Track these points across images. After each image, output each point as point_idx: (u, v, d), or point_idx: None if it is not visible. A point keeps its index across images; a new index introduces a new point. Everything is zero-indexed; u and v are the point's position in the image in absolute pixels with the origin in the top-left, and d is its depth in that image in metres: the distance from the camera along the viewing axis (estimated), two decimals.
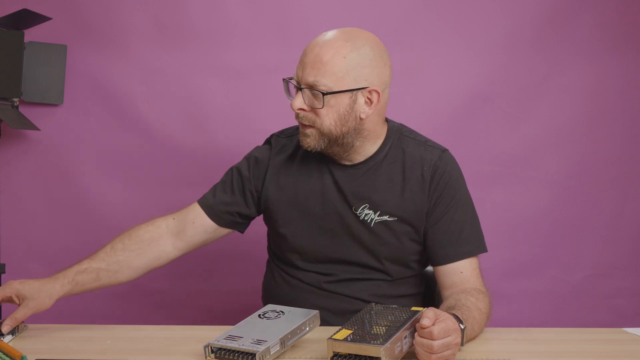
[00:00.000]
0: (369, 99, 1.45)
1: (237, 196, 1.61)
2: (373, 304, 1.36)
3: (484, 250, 1.55)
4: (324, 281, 1.57)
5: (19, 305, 1.40)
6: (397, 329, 1.21)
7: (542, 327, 1.57)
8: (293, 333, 1.27)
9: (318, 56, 1.41)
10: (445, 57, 2.30)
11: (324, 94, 1.41)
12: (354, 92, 1.43)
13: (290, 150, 1.60)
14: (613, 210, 2.39)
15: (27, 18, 2.08)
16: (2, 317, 1.48)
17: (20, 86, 2.15)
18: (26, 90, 2.19)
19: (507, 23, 2.31)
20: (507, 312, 2.33)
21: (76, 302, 2.30)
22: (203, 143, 2.29)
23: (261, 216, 1.65)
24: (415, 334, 1.22)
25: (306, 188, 1.56)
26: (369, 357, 1.16)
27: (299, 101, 1.44)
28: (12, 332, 1.39)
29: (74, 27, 2.25)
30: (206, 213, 1.60)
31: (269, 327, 1.28)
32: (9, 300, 1.41)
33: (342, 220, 1.54)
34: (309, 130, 1.46)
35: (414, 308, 1.30)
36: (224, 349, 1.21)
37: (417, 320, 1.25)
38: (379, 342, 1.16)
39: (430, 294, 1.73)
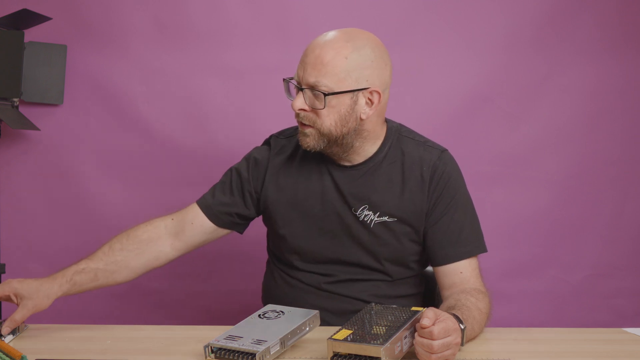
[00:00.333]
0: (369, 99, 1.45)
1: (236, 197, 1.60)
2: (373, 304, 1.36)
3: (484, 250, 1.55)
4: (324, 282, 1.57)
5: (16, 304, 1.40)
6: (397, 329, 1.21)
7: (542, 327, 1.57)
8: (293, 333, 1.27)
9: (319, 57, 1.41)
10: (445, 57, 2.30)
11: (325, 95, 1.41)
12: (355, 92, 1.43)
13: (290, 151, 1.60)
14: (613, 210, 2.39)
15: (27, 18, 2.08)
16: (2, 317, 1.48)
17: (20, 86, 2.15)
18: (26, 90, 2.19)
19: (507, 23, 2.31)
20: (507, 312, 2.33)
21: (76, 302, 2.30)
22: (203, 143, 2.29)
23: (261, 217, 1.65)
24: (415, 334, 1.22)
25: (305, 189, 1.56)
26: (369, 357, 1.16)
27: (300, 101, 1.44)
28: (13, 332, 1.39)
29: (74, 27, 2.25)
30: (205, 214, 1.60)
31: (269, 327, 1.28)
32: (7, 299, 1.41)
33: (341, 221, 1.54)
34: (308, 130, 1.46)
35: (414, 308, 1.30)
36: (224, 349, 1.21)
37: (417, 320, 1.25)
38: (379, 342, 1.16)
39: (430, 294, 1.73)
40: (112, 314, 2.30)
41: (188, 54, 2.27)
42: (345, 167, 1.54)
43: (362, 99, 1.44)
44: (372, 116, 1.47)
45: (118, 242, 1.55)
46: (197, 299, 2.33)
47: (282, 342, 1.24)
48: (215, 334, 1.25)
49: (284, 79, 1.51)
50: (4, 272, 2.22)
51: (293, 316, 1.33)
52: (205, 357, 1.23)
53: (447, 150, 1.58)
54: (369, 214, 1.52)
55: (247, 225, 1.66)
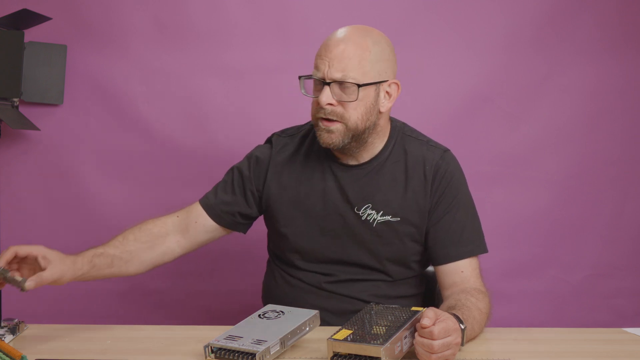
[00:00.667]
0: (387, 92, 1.49)
1: (238, 196, 1.61)
2: (373, 304, 1.36)
3: (485, 250, 1.55)
4: (324, 281, 1.57)
5: (42, 268, 1.35)
6: (397, 329, 1.21)
7: (542, 327, 1.57)
8: (293, 333, 1.27)
9: (345, 51, 1.43)
10: (445, 57, 2.30)
11: (359, 86, 1.43)
12: (378, 84, 1.46)
13: (292, 150, 1.60)
14: (613, 210, 2.39)
15: (27, 18, 2.08)
16: (3, 315, 1.48)
17: (20, 86, 2.15)
18: (26, 90, 2.19)
19: (507, 23, 2.31)
20: (507, 312, 2.33)
21: (76, 302, 2.31)
22: (203, 143, 2.29)
23: (261, 216, 1.65)
24: (416, 333, 1.22)
25: (308, 188, 1.56)
26: (369, 357, 1.16)
27: (327, 96, 1.44)
28: (13, 332, 1.39)
29: (74, 27, 2.24)
30: (207, 213, 1.60)
31: (269, 327, 1.28)
32: (34, 261, 1.36)
33: (343, 220, 1.54)
34: (334, 127, 1.46)
35: (414, 308, 1.30)
36: (224, 349, 1.21)
37: (417, 320, 1.25)
38: (379, 342, 1.17)
39: (430, 294, 1.73)
40: (112, 314, 2.30)
41: (188, 54, 2.27)
42: (349, 166, 1.55)
43: (382, 92, 1.48)
44: (387, 110, 1.51)
45: (131, 234, 1.55)
46: (197, 299, 2.33)
47: (282, 342, 1.24)
48: (215, 334, 1.26)
49: (300, 77, 1.50)
50: None
51: (293, 316, 1.33)
52: (205, 357, 1.23)
53: (449, 150, 1.59)
54: (372, 213, 1.53)
55: (250, 225, 1.66)
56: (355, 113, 1.45)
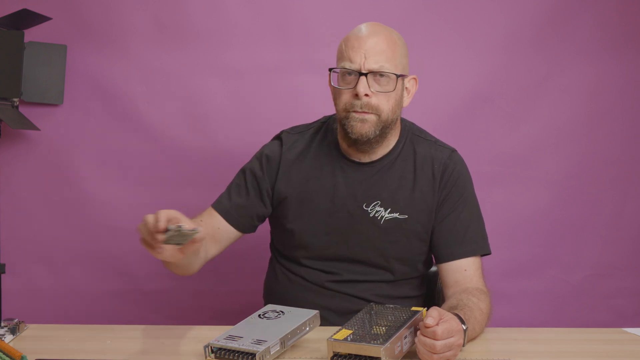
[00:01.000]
0: (406, 88, 1.53)
1: (254, 198, 1.60)
2: (373, 304, 1.36)
3: (488, 251, 1.57)
4: (327, 280, 1.57)
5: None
6: (397, 329, 1.21)
7: (542, 327, 1.57)
8: (293, 333, 1.27)
9: (378, 43, 1.47)
10: (445, 57, 2.30)
11: (397, 76, 1.47)
12: (404, 78, 1.52)
13: (302, 147, 1.61)
14: (613, 210, 2.39)
15: (27, 18, 2.08)
16: (3, 315, 1.48)
17: (20, 86, 2.15)
18: (26, 90, 2.19)
19: (507, 23, 2.30)
20: (507, 312, 2.33)
21: (76, 302, 2.31)
22: (203, 143, 2.29)
23: None
24: (418, 332, 1.22)
25: (317, 184, 1.57)
26: (369, 357, 1.16)
27: (365, 86, 1.45)
28: (13, 332, 1.39)
29: (74, 27, 2.24)
30: (226, 220, 1.59)
31: (269, 327, 1.28)
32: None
33: (351, 217, 1.55)
34: (368, 117, 1.47)
35: (414, 308, 1.30)
36: (224, 349, 1.21)
37: (418, 321, 1.25)
38: (379, 342, 1.17)
39: (431, 295, 1.73)
40: (112, 314, 2.30)
41: (188, 54, 2.27)
42: (360, 163, 1.56)
43: (404, 87, 1.52)
44: (406, 106, 1.56)
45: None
46: (198, 299, 2.33)
47: (282, 342, 1.24)
48: (215, 334, 1.26)
49: (331, 69, 1.51)
50: (4, 272, 2.21)
51: (293, 316, 1.33)
52: (205, 357, 1.23)
53: (456, 150, 1.62)
54: (380, 210, 1.54)
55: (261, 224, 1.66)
56: (388, 105, 1.48)
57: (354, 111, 1.47)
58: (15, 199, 2.28)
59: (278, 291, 1.63)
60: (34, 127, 2.18)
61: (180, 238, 1.22)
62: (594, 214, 2.38)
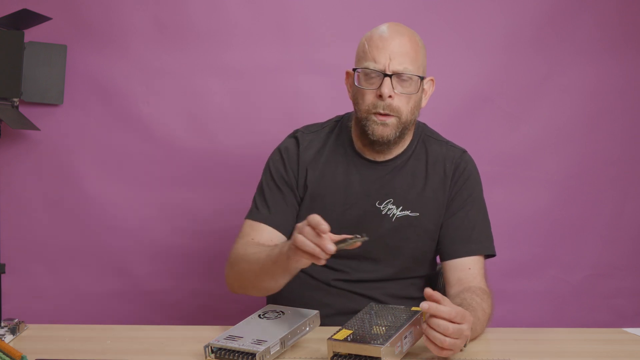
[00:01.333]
0: (423, 88, 1.53)
1: (289, 197, 1.59)
2: (373, 304, 1.36)
3: (493, 252, 1.58)
4: (334, 278, 1.57)
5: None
6: (397, 329, 1.21)
7: (542, 327, 1.57)
8: (293, 333, 1.27)
9: (403, 45, 1.47)
10: (445, 57, 2.30)
11: (422, 79, 1.49)
12: (426, 80, 1.53)
13: (318, 146, 1.61)
14: (613, 210, 2.39)
15: (27, 18, 2.08)
16: (3, 315, 1.47)
17: (20, 86, 2.14)
18: (26, 90, 2.19)
19: (507, 23, 2.31)
20: (507, 312, 2.33)
21: (76, 302, 2.31)
22: (203, 143, 2.29)
23: None
24: (427, 319, 1.20)
25: (330, 182, 1.57)
26: (369, 357, 1.16)
27: (389, 88, 1.46)
28: (13, 332, 1.39)
29: (74, 27, 2.24)
30: (276, 229, 1.56)
31: (269, 327, 1.28)
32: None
33: (364, 215, 1.56)
34: (390, 120, 1.48)
35: (414, 308, 1.30)
36: (224, 349, 1.21)
37: (418, 321, 1.25)
38: (379, 342, 1.17)
39: None
40: (112, 314, 2.30)
41: (188, 54, 2.27)
42: (375, 162, 1.57)
43: (423, 88, 1.53)
44: (424, 106, 1.57)
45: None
46: (197, 299, 2.33)
47: (282, 342, 1.24)
48: (215, 334, 1.26)
49: (354, 69, 1.51)
50: (4, 272, 2.21)
51: (293, 316, 1.33)
52: (205, 357, 1.23)
53: (467, 150, 1.64)
54: (392, 208, 1.55)
55: None
56: (408, 106, 1.49)
57: (377, 113, 1.47)
58: (15, 199, 2.28)
59: (282, 289, 1.63)
60: (34, 127, 2.18)
61: (344, 245, 1.24)
62: (594, 214, 2.38)
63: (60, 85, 2.24)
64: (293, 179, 1.59)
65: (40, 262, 2.30)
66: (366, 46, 1.49)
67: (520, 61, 2.31)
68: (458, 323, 1.19)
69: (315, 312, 1.35)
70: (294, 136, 1.64)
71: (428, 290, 1.21)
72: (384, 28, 1.51)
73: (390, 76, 1.45)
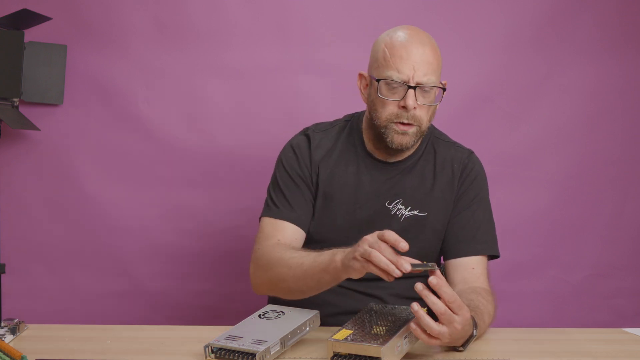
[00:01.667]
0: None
1: (306, 192, 1.58)
2: (373, 304, 1.36)
3: (497, 252, 1.59)
4: None
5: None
6: (397, 329, 1.21)
7: (542, 327, 1.57)
8: (293, 333, 1.27)
9: (426, 54, 1.46)
10: (445, 57, 2.28)
11: (444, 90, 1.49)
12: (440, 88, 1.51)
13: (329, 145, 1.61)
14: (613, 210, 2.39)
15: (27, 18, 2.08)
16: (3, 315, 1.47)
17: (20, 86, 2.15)
18: (26, 90, 2.19)
19: (507, 23, 2.31)
20: (507, 312, 2.33)
21: (76, 302, 2.31)
22: (203, 143, 2.29)
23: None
24: (430, 297, 1.19)
25: (341, 182, 1.58)
26: (369, 357, 1.16)
27: (413, 99, 1.45)
28: (13, 332, 1.39)
29: (74, 27, 2.24)
30: (298, 226, 1.56)
31: (269, 327, 1.28)
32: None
33: (373, 215, 1.56)
34: (411, 130, 1.48)
35: None
36: (224, 349, 1.21)
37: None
38: (379, 342, 1.17)
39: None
40: (112, 314, 2.30)
41: (188, 54, 2.27)
42: (385, 163, 1.57)
43: None
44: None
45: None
46: (197, 299, 2.33)
47: (282, 342, 1.24)
48: (215, 334, 1.26)
49: (378, 79, 1.47)
50: (4, 272, 2.21)
51: (293, 316, 1.33)
52: (205, 357, 1.23)
53: (474, 152, 1.65)
54: (401, 208, 1.56)
55: None
56: (427, 115, 1.50)
57: (399, 122, 1.47)
58: (15, 199, 2.28)
59: None
60: (34, 127, 2.18)
61: (415, 268, 1.23)
62: (594, 214, 2.38)
63: (60, 85, 2.24)
64: (308, 175, 1.59)
65: (40, 262, 2.30)
66: (387, 54, 1.46)
67: (520, 61, 2.31)
68: (453, 311, 1.18)
69: (315, 312, 1.35)
70: (305, 134, 1.64)
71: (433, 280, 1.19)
72: (403, 34, 1.48)
73: (414, 88, 1.44)
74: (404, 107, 1.45)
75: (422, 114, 1.48)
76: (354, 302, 1.55)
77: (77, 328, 1.48)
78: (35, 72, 2.19)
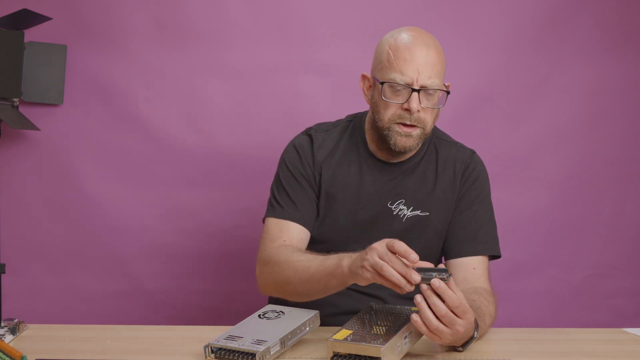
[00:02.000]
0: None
1: (309, 192, 1.58)
2: (373, 304, 1.36)
3: (498, 252, 1.59)
4: None
5: None
6: (397, 329, 1.21)
7: (542, 327, 1.57)
8: (293, 333, 1.27)
9: (430, 57, 1.45)
10: (446, 57, 2.29)
11: (448, 93, 1.48)
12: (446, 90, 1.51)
13: (331, 146, 1.61)
14: (613, 210, 2.39)
15: (27, 18, 2.08)
16: (3, 315, 1.48)
17: (20, 86, 2.15)
18: (26, 90, 2.19)
19: (507, 23, 2.30)
20: (507, 312, 2.33)
21: (76, 302, 2.31)
22: (203, 143, 2.29)
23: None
24: (426, 295, 1.19)
25: (343, 182, 1.58)
26: (369, 357, 1.16)
27: (417, 102, 1.44)
28: (13, 332, 1.39)
29: (74, 27, 2.24)
30: (304, 226, 1.57)
31: (269, 327, 1.28)
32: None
33: (375, 215, 1.56)
34: (415, 132, 1.48)
35: (414, 308, 1.30)
36: (224, 349, 1.21)
37: None
38: (379, 342, 1.17)
39: None
40: (112, 314, 2.30)
41: (188, 54, 2.27)
42: (387, 163, 1.57)
43: None
44: None
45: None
46: (198, 299, 2.33)
47: (282, 342, 1.24)
48: (215, 334, 1.26)
49: (382, 82, 1.47)
50: (4, 272, 2.21)
51: (293, 316, 1.33)
52: (205, 357, 1.23)
53: (475, 152, 1.64)
54: (403, 209, 1.56)
55: None
56: (431, 117, 1.49)
57: (402, 124, 1.46)
58: (15, 199, 2.28)
59: None
60: (34, 127, 2.18)
61: (425, 279, 1.22)
62: (594, 214, 2.38)
63: (60, 85, 2.24)
64: (311, 175, 1.59)
65: (40, 262, 2.30)
66: (391, 56, 1.46)
67: (520, 61, 2.31)
68: (458, 316, 1.18)
69: (315, 312, 1.35)
70: (308, 134, 1.64)
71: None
72: (407, 36, 1.47)
73: (418, 91, 1.44)
74: (408, 110, 1.45)
75: (426, 116, 1.47)
76: (354, 302, 1.55)
77: (77, 328, 1.49)
78: (35, 72, 2.19)
